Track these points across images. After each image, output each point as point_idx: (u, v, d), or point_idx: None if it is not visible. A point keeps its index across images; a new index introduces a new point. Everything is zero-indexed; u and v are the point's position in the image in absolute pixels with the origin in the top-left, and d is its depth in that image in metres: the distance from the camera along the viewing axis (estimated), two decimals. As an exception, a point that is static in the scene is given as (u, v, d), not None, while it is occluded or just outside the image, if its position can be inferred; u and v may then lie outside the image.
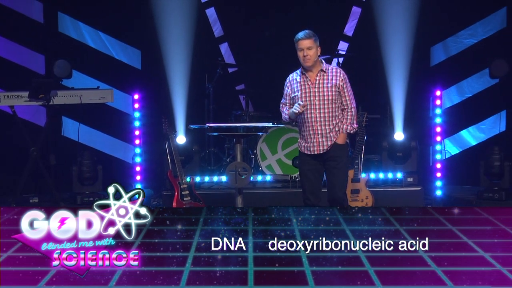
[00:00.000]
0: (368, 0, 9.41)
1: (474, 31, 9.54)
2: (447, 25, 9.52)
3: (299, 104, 5.82)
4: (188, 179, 7.63)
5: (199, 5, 9.55)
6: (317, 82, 5.90)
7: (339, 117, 5.94)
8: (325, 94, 5.87)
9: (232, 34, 9.85)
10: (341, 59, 9.28)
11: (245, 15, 9.73)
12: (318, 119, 5.88)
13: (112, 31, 9.54)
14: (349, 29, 9.77)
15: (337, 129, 5.91)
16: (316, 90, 5.89)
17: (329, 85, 5.88)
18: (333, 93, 5.88)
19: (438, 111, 8.78)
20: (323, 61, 6.00)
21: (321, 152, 5.91)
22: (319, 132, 5.89)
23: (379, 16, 9.06)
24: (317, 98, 5.88)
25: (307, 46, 5.83)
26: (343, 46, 9.64)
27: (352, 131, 5.97)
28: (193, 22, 9.18)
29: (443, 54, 9.67)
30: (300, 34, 5.88)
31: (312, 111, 5.89)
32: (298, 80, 5.96)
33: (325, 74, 5.91)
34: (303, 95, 5.91)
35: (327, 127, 5.89)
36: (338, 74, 5.92)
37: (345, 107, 5.95)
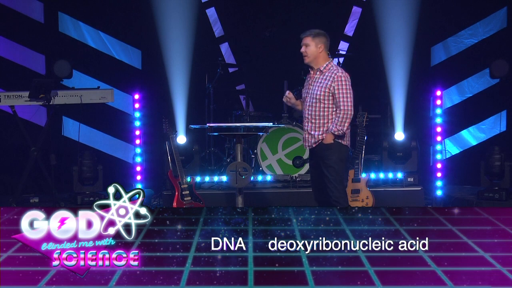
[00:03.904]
0: (368, 0, 9.40)
1: (475, 31, 9.54)
2: (447, 25, 9.52)
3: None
4: (188, 179, 7.63)
5: (199, 5, 9.55)
6: (314, 80, 6.01)
7: (329, 117, 5.93)
8: (315, 92, 5.95)
9: (233, 34, 9.84)
10: (341, 59, 9.28)
11: (245, 15, 9.73)
12: (307, 116, 6.03)
13: (112, 31, 9.53)
14: (349, 29, 9.76)
15: (324, 128, 5.93)
16: (312, 88, 6.00)
17: (321, 84, 5.93)
18: (322, 93, 5.90)
19: (438, 111, 8.78)
20: (331, 61, 6.01)
21: (308, 148, 6.10)
22: (306, 128, 6.07)
23: (380, 16, 9.06)
24: (309, 96, 6.01)
25: (304, 43, 5.99)
26: (343, 46, 9.64)
27: (338, 133, 5.87)
28: (193, 22, 9.17)
29: (443, 54, 9.67)
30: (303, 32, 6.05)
31: (306, 107, 6.05)
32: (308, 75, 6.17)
33: (322, 73, 5.97)
34: (304, 91, 6.13)
35: (313, 125, 5.98)
36: (333, 75, 5.89)
37: (338, 108, 5.91)
